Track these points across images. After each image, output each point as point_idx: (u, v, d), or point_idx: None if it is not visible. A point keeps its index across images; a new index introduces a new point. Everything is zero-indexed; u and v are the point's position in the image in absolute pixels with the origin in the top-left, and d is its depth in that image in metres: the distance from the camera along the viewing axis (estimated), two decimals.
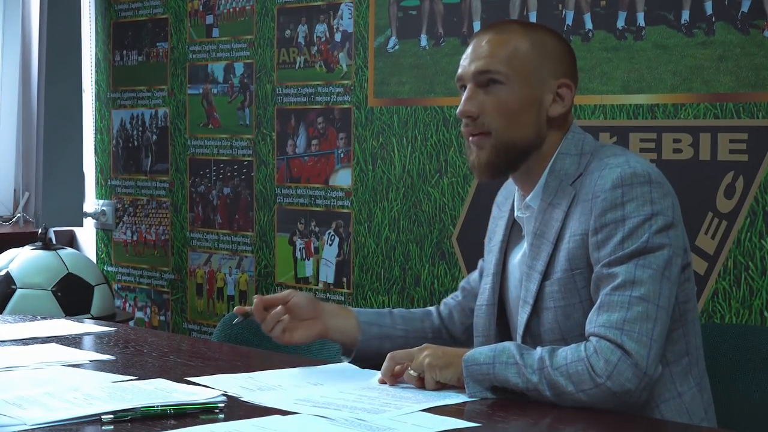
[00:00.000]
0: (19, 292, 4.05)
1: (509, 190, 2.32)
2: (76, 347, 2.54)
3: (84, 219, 4.90)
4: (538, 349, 2.00)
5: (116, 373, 2.24)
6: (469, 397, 2.01)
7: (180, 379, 2.15)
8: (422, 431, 1.80)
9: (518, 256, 2.22)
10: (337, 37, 4.01)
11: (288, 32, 4.17)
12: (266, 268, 4.26)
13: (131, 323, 4.59)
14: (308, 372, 2.24)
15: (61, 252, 4.19)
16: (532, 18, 3.47)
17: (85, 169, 4.89)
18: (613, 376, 1.93)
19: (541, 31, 2.21)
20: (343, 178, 4.00)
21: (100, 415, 1.86)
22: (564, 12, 3.41)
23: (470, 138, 2.17)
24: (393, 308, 2.46)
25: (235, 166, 4.37)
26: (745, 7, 3.06)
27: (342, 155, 4.00)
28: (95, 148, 4.91)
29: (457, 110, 2.17)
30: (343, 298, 4.00)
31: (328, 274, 4.07)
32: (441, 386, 2.06)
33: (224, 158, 4.41)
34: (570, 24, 3.40)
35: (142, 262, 4.75)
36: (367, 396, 2.03)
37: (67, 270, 4.11)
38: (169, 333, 4.41)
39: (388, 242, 3.86)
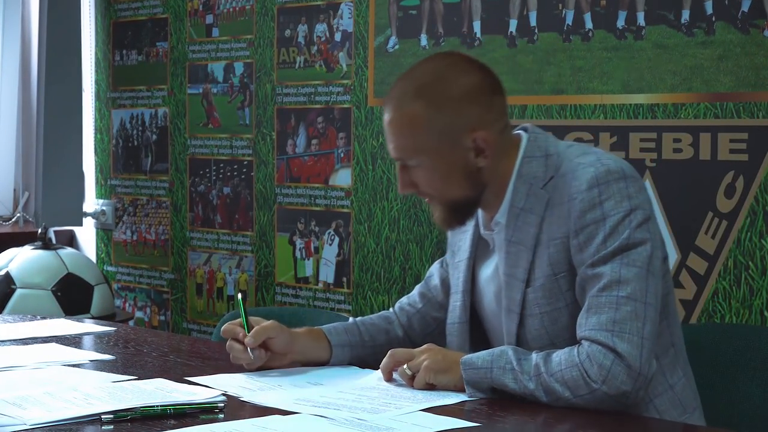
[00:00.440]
0: (18, 291, 4.04)
1: None
2: (76, 347, 2.54)
3: (84, 219, 4.90)
4: (534, 354, 2.00)
5: (116, 373, 2.24)
6: (469, 397, 2.01)
7: (180, 379, 2.15)
8: (422, 431, 1.80)
9: (488, 271, 2.20)
10: (337, 36, 4.01)
11: (288, 32, 4.17)
12: (266, 267, 4.26)
13: (131, 323, 4.59)
14: (308, 372, 2.24)
15: (61, 252, 4.19)
16: (532, 18, 3.47)
17: (84, 168, 4.89)
18: (608, 380, 1.93)
19: (438, 84, 2.10)
20: (343, 177, 4.00)
21: (100, 415, 1.86)
22: (564, 12, 3.41)
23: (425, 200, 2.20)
24: (356, 317, 2.43)
25: (235, 166, 4.37)
26: (745, 7, 3.06)
27: (342, 155, 4.00)
28: (95, 148, 4.91)
29: None
30: (343, 297, 4.00)
31: (328, 274, 4.07)
32: (430, 386, 2.06)
33: (224, 158, 4.41)
34: (570, 24, 3.40)
35: (142, 261, 4.75)
36: (366, 396, 2.03)
37: (67, 270, 4.11)
38: (169, 333, 4.41)
39: (388, 242, 3.86)
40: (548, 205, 2.08)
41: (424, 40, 3.76)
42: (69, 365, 2.31)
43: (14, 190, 4.94)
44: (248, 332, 2.21)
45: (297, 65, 4.14)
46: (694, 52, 3.15)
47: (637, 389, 1.95)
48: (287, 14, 4.17)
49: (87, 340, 2.67)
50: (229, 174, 4.39)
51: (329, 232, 4.05)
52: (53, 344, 2.56)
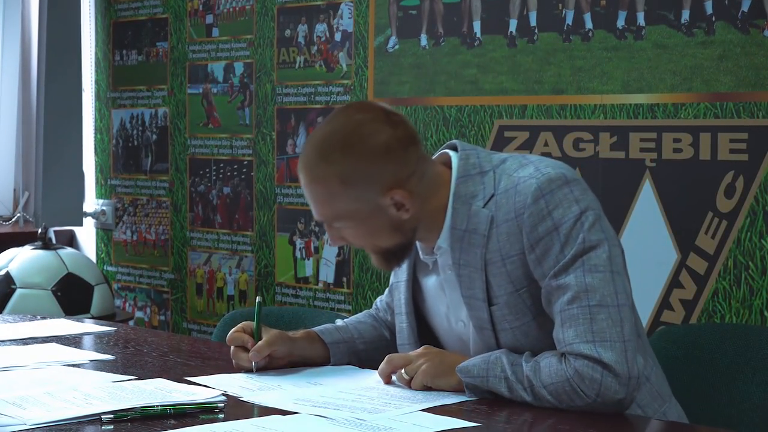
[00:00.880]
0: (18, 291, 4.04)
1: None
2: (76, 347, 2.54)
3: (84, 219, 4.90)
4: (524, 363, 2.00)
5: (116, 373, 2.24)
6: (468, 397, 2.01)
7: (180, 379, 2.15)
8: (422, 431, 1.80)
9: (432, 290, 2.20)
10: (337, 36, 4.01)
11: (288, 32, 4.17)
12: (266, 267, 4.26)
13: (131, 323, 4.59)
14: (308, 372, 2.24)
15: (61, 252, 4.19)
16: (532, 18, 3.47)
17: (84, 168, 4.89)
18: (602, 393, 1.93)
19: (349, 151, 2.05)
20: None
21: (100, 415, 1.86)
22: (564, 12, 3.41)
23: None
24: (342, 320, 2.44)
25: (235, 166, 4.37)
26: (745, 7, 3.06)
27: None
28: (95, 148, 4.91)
29: None
30: (343, 297, 4.00)
31: (328, 274, 4.07)
32: (428, 387, 2.06)
33: (224, 158, 4.41)
34: (570, 24, 3.40)
35: (142, 261, 4.75)
36: (366, 396, 2.03)
37: (67, 270, 4.12)
38: (169, 333, 4.41)
39: None
40: (492, 223, 2.06)
41: (424, 40, 3.76)
42: (69, 365, 2.31)
43: (14, 190, 4.94)
44: (257, 339, 2.22)
45: (297, 65, 4.14)
46: (694, 52, 3.15)
47: (631, 392, 1.95)
48: (287, 14, 4.17)
49: (87, 340, 2.66)
50: (229, 174, 4.39)
51: None
52: (53, 344, 2.56)
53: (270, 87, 4.23)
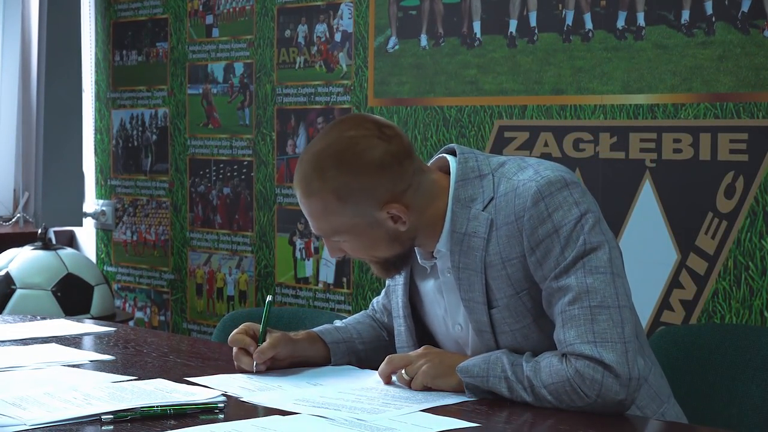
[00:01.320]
0: (18, 292, 4.05)
1: None
2: (76, 347, 2.54)
3: (84, 219, 4.91)
4: (524, 363, 2.00)
5: (116, 373, 2.24)
6: (468, 397, 2.02)
7: (180, 379, 2.15)
8: (422, 431, 1.80)
9: (430, 294, 2.20)
10: (337, 37, 4.01)
11: (288, 32, 4.17)
12: (266, 268, 4.26)
13: (131, 323, 4.59)
14: (308, 372, 2.24)
15: (61, 252, 4.19)
16: (532, 18, 3.47)
17: (84, 169, 4.89)
18: (602, 393, 1.93)
19: (344, 167, 2.05)
20: None
21: (100, 415, 1.86)
22: (564, 12, 3.41)
23: None
24: (341, 320, 2.44)
25: (235, 166, 4.37)
26: (745, 7, 3.06)
27: None
28: (95, 148, 4.91)
29: None
30: (343, 298, 4.00)
31: (327, 274, 4.07)
32: (428, 388, 2.07)
33: (224, 158, 4.41)
34: (570, 24, 3.40)
35: (142, 262, 4.75)
36: (366, 396, 2.03)
37: (66, 270, 4.12)
38: (169, 333, 4.40)
39: None
40: (492, 226, 2.06)
41: (424, 40, 3.76)
42: (69, 365, 2.31)
43: (14, 190, 4.94)
44: (262, 340, 2.22)
45: (297, 65, 4.14)
46: (694, 52, 3.15)
47: (632, 392, 1.95)
48: (287, 14, 4.17)
49: (87, 341, 2.66)
50: (229, 174, 4.39)
51: None
52: (53, 344, 2.56)
53: (270, 87, 4.23)
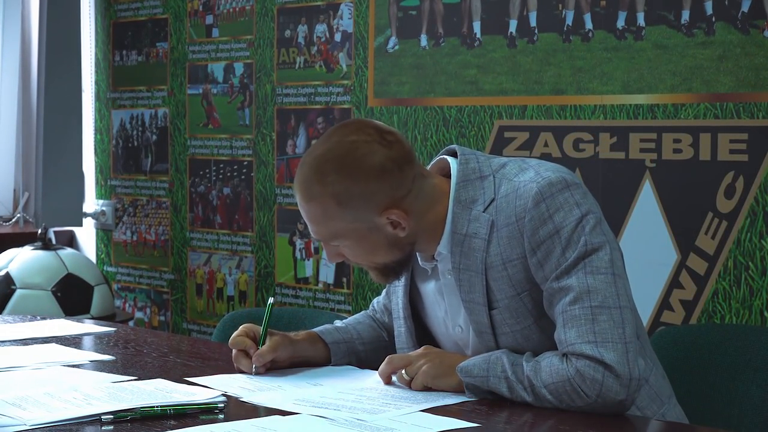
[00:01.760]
0: (18, 292, 4.05)
1: None
2: (76, 347, 2.54)
3: (84, 219, 4.91)
4: (524, 363, 2.00)
5: (116, 373, 2.24)
6: (468, 397, 2.02)
7: (180, 380, 2.15)
8: (422, 431, 1.81)
9: (431, 295, 2.20)
10: (337, 37, 4.01)
11: (288, 32, 4.17)
12: (266, 268, 4.26)
13: (131, 323, 4.59)
14: (308, 372, 2.24)
15: (61, 252, 4.19)
16: (532, 18, 3.47)
17: (84, 169, 4.89)
18: (603, 393, 1.93)
19: (344, 172, 2.05)
20: None
21: (100, 415, 1.86)
22: (564, 12, 3.41)
23: None
24: (340, 321, 2.45)
25: (235, 166, 4.37)
26: (745, 7, 3.06)
27: None
28: (95, 148, 4.91)
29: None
30: (343, 298, 4.00)
31: (327, 274, 4.07)
32: (428, 388, 2.07)
33: (224, 158, 4.41)
34: (570, 24, 3.40)
35: (142, 262, 4.75)
36: (366, 396, 2.03)
37: (66, 270, 4.12)
38: (169, 333, 4.40)
39: None
40: (493, 227, 2.06)
41: (424, 40, 3.76)
42: (69, 365, 2.31)
43: (14, 190, 4.94)
44: (262, 342, 2.22)
45: (297, 65, 4.14)
46: (694, 52, 3.15)
47: (632, 393, 1.95)
48: (287, 14, 4.17)
49: (87, 341, 2.66)
50: (229, 174, 4.39)
51: None
52: (53, 345, 2.56)
53: (270, 87, 4.23)
